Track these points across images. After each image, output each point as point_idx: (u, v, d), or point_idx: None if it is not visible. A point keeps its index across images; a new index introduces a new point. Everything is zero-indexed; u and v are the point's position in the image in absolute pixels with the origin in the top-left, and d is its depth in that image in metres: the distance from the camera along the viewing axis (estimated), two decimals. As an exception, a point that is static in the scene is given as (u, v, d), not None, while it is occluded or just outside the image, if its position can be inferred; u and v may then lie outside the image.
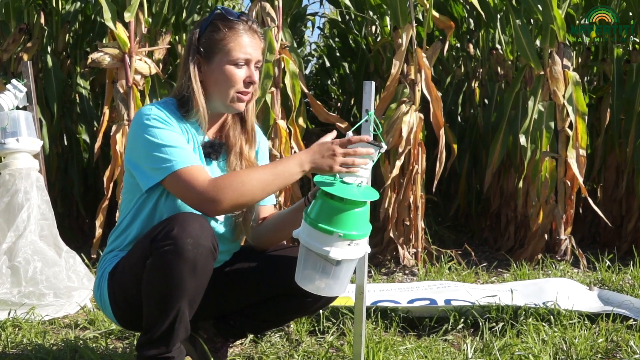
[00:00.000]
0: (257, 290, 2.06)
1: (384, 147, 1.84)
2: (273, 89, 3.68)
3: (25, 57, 4.17)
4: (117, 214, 3.66)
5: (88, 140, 4.70)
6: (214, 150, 1.97)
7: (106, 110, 3.78)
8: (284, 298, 2.04)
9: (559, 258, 3.83)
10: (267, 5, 3.66)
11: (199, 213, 1.82)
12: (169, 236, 1.72)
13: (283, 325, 2.43)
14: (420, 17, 4.63)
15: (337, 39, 6.20)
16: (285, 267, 1.99)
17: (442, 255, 3.78)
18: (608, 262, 3.66)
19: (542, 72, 3.84)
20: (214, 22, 1.92)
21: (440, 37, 4.32)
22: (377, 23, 5.07)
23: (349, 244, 1.74)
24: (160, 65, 4.01)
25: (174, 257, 1.71)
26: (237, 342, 2.42)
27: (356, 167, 1.78)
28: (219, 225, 1.98)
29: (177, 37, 4.68)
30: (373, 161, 1.84)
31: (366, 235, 1.80)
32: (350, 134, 1.83)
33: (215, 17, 1.93)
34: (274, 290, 2.04)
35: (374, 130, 1.92)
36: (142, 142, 1.84)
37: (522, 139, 3.89)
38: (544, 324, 2.56)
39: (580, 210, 4.45)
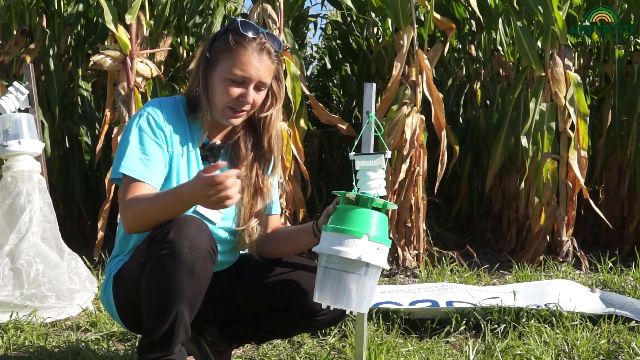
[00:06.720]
0: (264, 299, 2.03)
1: (389, 153, 1.83)
2: (274, 90, 3.68)
3: (27, 59, 4.17)
4: (119, 217, 3.66)
5: (89, 143, 4.70)
6: (211, 153, 1.98)
7: (107, 113, 3.77)
8: (292, 312, 2.01)
9: (560, 260, 3.82)
10: (269, 7, 3.66)
11: (198, 216, 1.83)
12: (165, 240, 1.71)
13: (286, 338, 2.41)
14: (422, 19, 4.63)
15: (338, 41, 6.20)
16: (294, 280, 1.99)
17: (443, 257, 3.78)
18: (610, 264, 3.65)
19: (544, 74, 3.84)
20: (229, 32, 1.90)
21: (442, 39, 4.31)
22: (378, 24, 5.07)
23: (377, 248, 1.73)
24: (162, 67, 4.01)
25: (170, 260, 1.70)
26: (239, 344, 2.42)
27: (230, 196, 1.65)
28: (217, 229, 1.97)
29: (178, 39, 4.68)
30: (383, 169, 1.83)
31: (389, 243, 1.78)
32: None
33: (231, 27, 1.90)
34: (281, 303, 2.01)
35: (375, 132, 1.92)
36: (127, 135, 1.90)
37: (524, 141, 3.88)
38: (546, 325, 2.56)
39: (582, 212, 4.44)
